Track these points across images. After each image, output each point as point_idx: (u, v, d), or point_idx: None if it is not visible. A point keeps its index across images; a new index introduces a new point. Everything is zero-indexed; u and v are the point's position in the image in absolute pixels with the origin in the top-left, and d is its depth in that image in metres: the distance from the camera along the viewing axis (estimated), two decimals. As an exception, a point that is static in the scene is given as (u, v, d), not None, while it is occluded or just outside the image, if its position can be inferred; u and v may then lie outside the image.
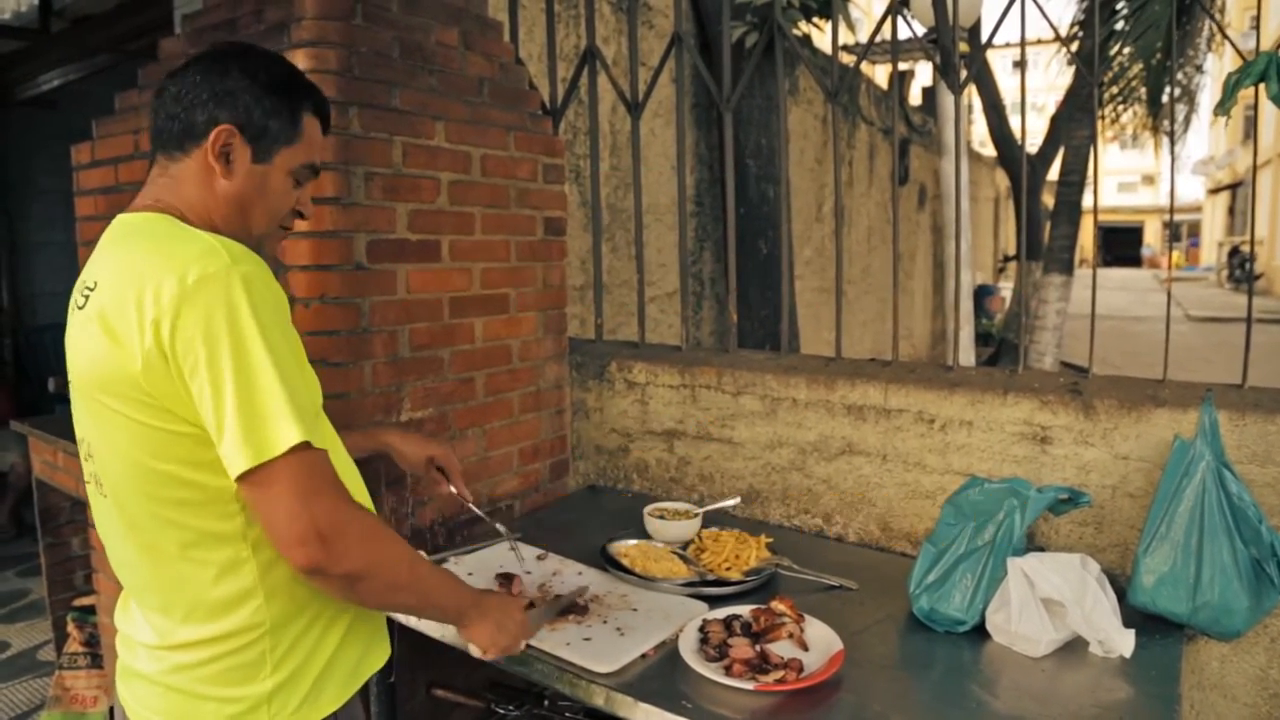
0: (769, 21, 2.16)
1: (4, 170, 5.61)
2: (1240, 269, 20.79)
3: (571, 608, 1.49)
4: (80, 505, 2.84)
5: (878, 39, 2.12)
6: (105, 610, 2.53)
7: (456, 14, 1.93)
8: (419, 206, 1.82)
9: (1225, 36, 2.04)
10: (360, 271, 1.70)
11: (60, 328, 1.10)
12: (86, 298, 1.02)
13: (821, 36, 5.49)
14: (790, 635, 1.36)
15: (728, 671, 1.26)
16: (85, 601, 2.80)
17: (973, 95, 9.23)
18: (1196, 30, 7.80)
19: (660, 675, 1.31)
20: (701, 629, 1.40)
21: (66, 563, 3.02)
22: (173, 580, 1.04)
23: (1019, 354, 1.97)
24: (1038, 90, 28.57)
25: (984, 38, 2.08)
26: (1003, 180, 15.81)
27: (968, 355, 5.23)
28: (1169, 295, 2.17)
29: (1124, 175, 38.76)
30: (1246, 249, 20.55)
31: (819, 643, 1.35)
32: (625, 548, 1.73)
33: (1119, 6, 7.19)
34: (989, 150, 11.40)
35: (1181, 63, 8.01)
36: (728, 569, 1.66)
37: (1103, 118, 8.43)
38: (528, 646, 1.36)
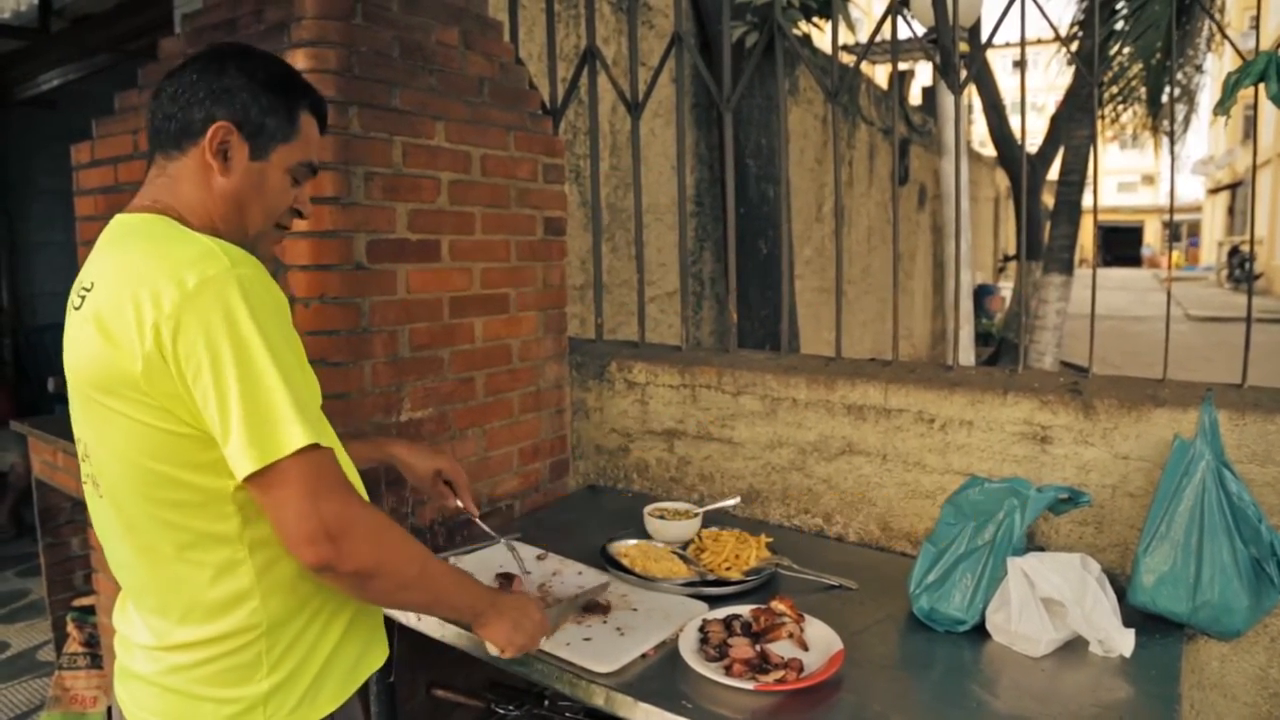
0: (769, 21, 2.16)
1: (4, 170, 5.61)
2: (1240, 269, 20.80)
3: (593, 606, 1.49)
4: (80, 505, 2.84)
5: (878, 39, 2.12)
6: (105, 610, 2.53)
7: (456, 14, 1.94)
8: (419, 206, 1.82)
9: (1225, 36, 2.04)
10: (360, 271, 1.70)
11: (60, 328, 1.10)
12: (83, 298, 1.02)
13: (821, 36, 5.49)
14: (790, 635, 1.36)
15: (728, 671, 1.26)
16: (85, 602, 2.80)
17: (973, 95, 9.23)
18: (1196, 30, 7.80)
19: (660, 675, 1.31)
20: (701, 629, 1.40)
21: (66, 563, 3.02)
22: (169, 581, 1.04)
23: (1019, 354, 1.97)
24: (1038, 90, 28.58)
25: (984, 38, 2.08)
26: (1003, 180, 15.81)
27: (968, 355, 5.23)
28: (1169, 295, 2.17)
29: (1124, 175, 38.78)
30: (1246, 249, 20.55)
31: (819, 642, 1.35)
32: (625, 548, 1.73)
33: (1119, 6, 7.19)
34: (989, 150, 11.40)
35: (1181, 63, 8.01)
36: (728, 569, 1.66)
37: (1102, 117, 8.43)
38: (541, 651, 1.37)
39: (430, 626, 1.47)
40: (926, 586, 1.46)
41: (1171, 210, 2.03)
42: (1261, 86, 1.66)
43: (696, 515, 1.85)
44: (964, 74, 2.16)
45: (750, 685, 1.22)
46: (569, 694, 1.32)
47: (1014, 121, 9.37)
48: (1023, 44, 1.88)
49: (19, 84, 5.09)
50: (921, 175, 10.02)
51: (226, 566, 1.03)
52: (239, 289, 0.95)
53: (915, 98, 11.72)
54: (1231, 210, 25.80)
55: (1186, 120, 8.86)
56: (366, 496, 1.24)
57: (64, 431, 2.43)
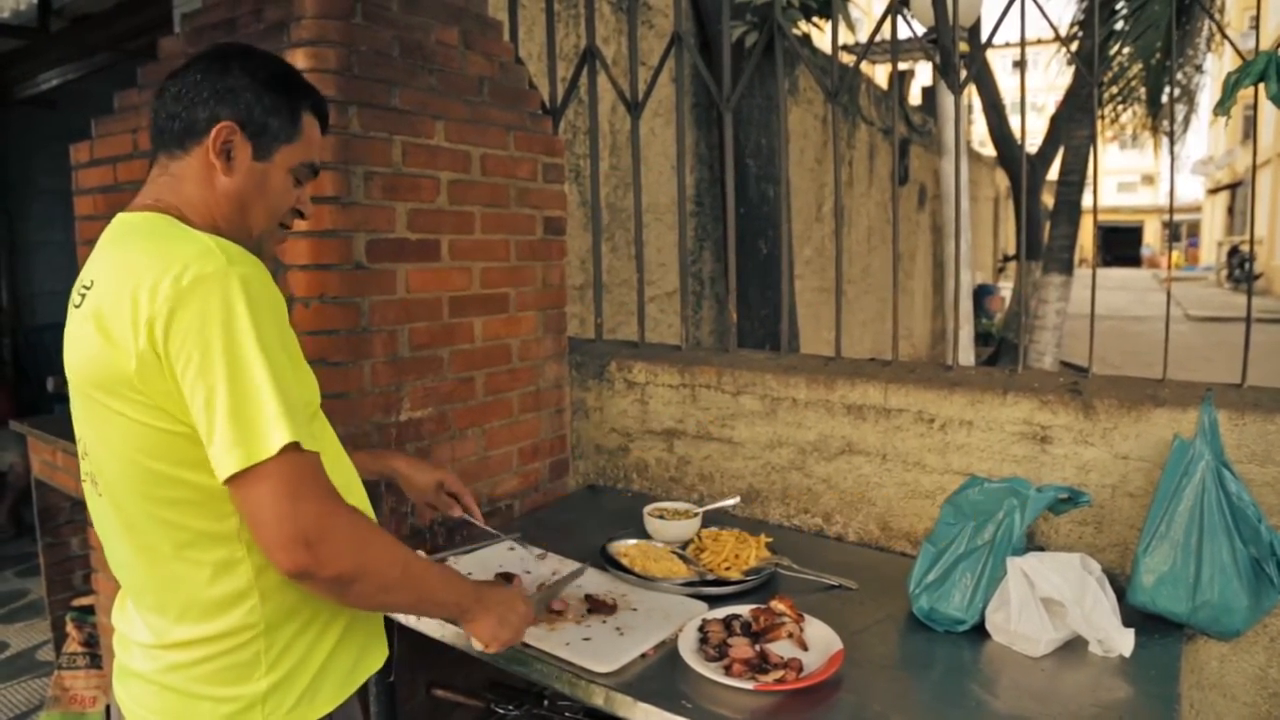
0: (769, 21, 2.16)
1: (3, 169, 5.60)
2: (1240, 269, 20.80)
3: (598, 605, 1.49)
4: (79, 505, 2.84)
5: (878, 39, 2.12)
6: (104, 610, 2.53)
7: (456, 13, 1.93)
8: (419, 206, 1.82)
9: (1225, 36, 2.04)
10: (360, 271, 1.70)
11: (60, 327, 1.10)
12: (83, 296, 1.03)
13: (821, 36, 5.49)
14: (790, 635, 1.36)
15: (727, 671, 1.26)
16: (84, 601, 2.80)
17: (972, 95, 9.23)
18: (1196, 30, 7.80)
19: (660, 675, 1.30)
20: (701, 629, 1.40)
21: (65, 563, 3.02)
22: (168, 580, 1.04)
23: (1019, 353, 1.97)
24: (1037, 90, 28.58)
25: (984, 38, 2.08)
26: (1003, 180, 15.82)
27: (967, 355, 5.23)
28: (1168, 295, 2.17)
29: (1123, 175, 38.78)
30: (1246, 249, 20.56)
31: (818, 642, 1.35)
32: (625, 547, 1.73)
33: (1119, 6, 7.19)
34: (989, 150, 11.40)
35: (1181, 63, 8.01)
36: (727, 569, 1.66)
37: (1102, 118, 8.43)
38: (526, 646, 1.37)
39: (430, 627, 1.46)
40: (926, 586, 1.46)
41: (1171, 210, 2.03)
42: (1261, 86, 1.66)
43: (696, 515, 1.85)
44: (964, 74, 2.16)
45: (750, 685, 1.22)
46: (568, 694, 1.32)
47: (1014, 121, 9.37)
48: (1023, 44, 1.88)
49: (19, 83, 5.09)
50: (921, 175, 10.02)
51: (225, 565, 1.03)
52: (234, 287, 0.95)
53: (915, 98, 11.72)
54: (1231, 210, 25.81)
55: (1186, 120, 8.86)
56: (365, 492, 1.24)
57: (63, 431, 2.43)
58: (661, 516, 1.84)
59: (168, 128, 1.11)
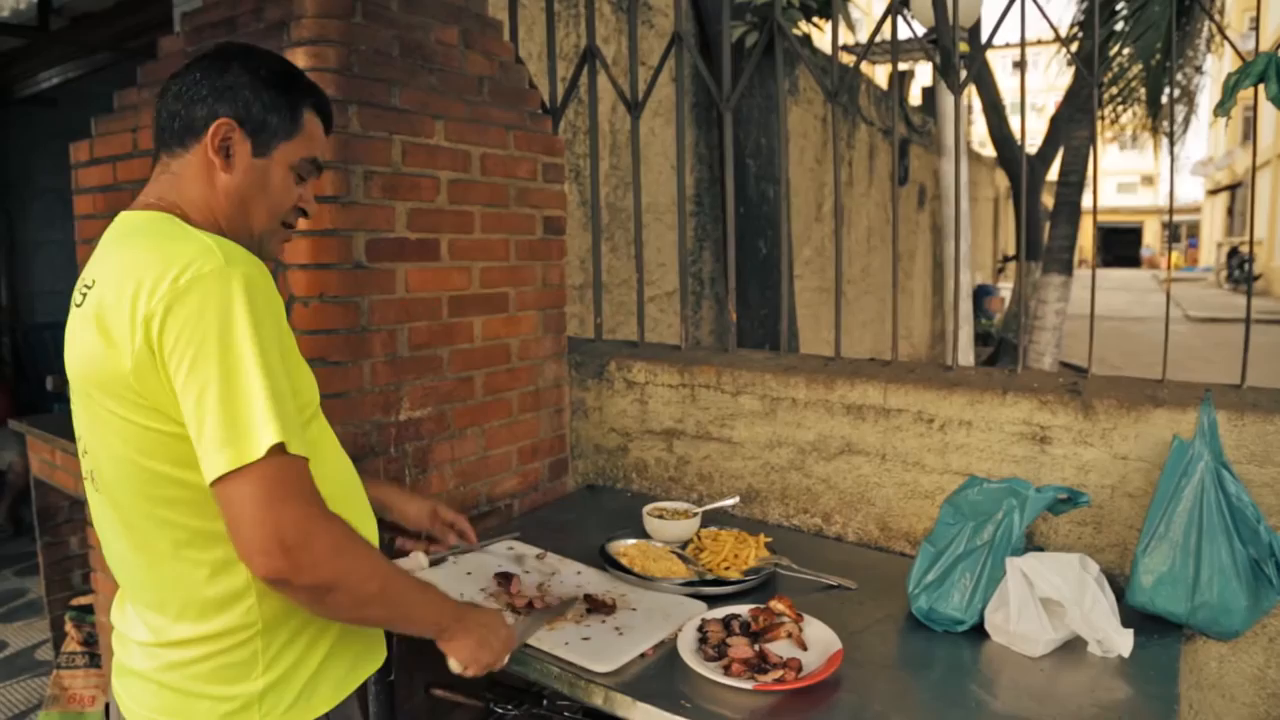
0: (769, 21, 2.16)
1: (3, 168, 5.60)
2: (1239, 270, 20.80)
3: (597, 605, 1.49)
4: (78, 504, 2.84)
5: (878, 39, 2.12)
6: (103, 609, 2.53)
7: (456, 12, 1.93)
8: (418, 205, 1.82)
9: (1225, 37, 2.04)
10: (359, 270, 1.70)
11: (59, 326, 1.10)
12: (85, 295, 1.03)
13: (821, 36, 5.49)
14: (789, 635, 1.36)
15: (726, 671, 1.26)
16: (83, 601, 2.80)
17: (972, 95, 9.23)
18: (1196, 31, 7.80)
19: (659, 675, 1.30)
20: (700, 628, 1.40)
21: (64, 562, 3.02)
22: (166, 578, 1.04)
23: (1018, 354, 1.97)
24: (1037, 90, 28.59)
25: (984, 38, 2.08)
26: (1002, 180, 15.82)
27: (967, 355, 5.23)
28: (1168, 296, 2.17)
29: (1123, 176, 38.78)
30: (1245, 250, 20.56)
31: (818, 642, 1.35)
32: (624, 547, 1.73)
33: (1119, 7, 7.19)
34: (989, 150, 11.40)
35: (1181, 63, 8.02)
36: (727, 568, 1.66)
37: (1102, 118, 8.43)
38: (526, 646, 1.37)
39: (429, 626, 1.46)
40: (925, 586, 1.46)
41: (1171, 211, 2.03)
42: (1261, 87, 1.66)
43: (695, 515, 1.85)
44: (964, 74, 2.16)
45: (749, 685, 1.22)
46: (568, 694, 1.32)
47: (1014, 122, 9.37)
48: (1023, 44, 1.88)
49: (18, 82, 5.09)
50: (921, 175, 10.02)
51: (223, 564, 1.02)
52: (232, 287, 0.95)
53: (915, 98, 11.72)
54: (1231, 211, 25.81)
55: (1186, 121, 8.86)
56: (367, 500, 1.24)
57: (63, 430, 2.43)
58: (661, 516, 1.84)
59: (168, 126, 1.11)
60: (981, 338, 10.36)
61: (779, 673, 1.24)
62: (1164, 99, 7.69)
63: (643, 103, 2.35)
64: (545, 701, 1.71)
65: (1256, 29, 1.92)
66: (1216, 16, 6.71)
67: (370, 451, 1.76)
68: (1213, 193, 29.40)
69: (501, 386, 2.09)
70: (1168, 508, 1.44)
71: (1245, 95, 1.73)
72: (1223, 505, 1.41)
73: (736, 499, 2.04)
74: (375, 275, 1.73)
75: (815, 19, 5.04)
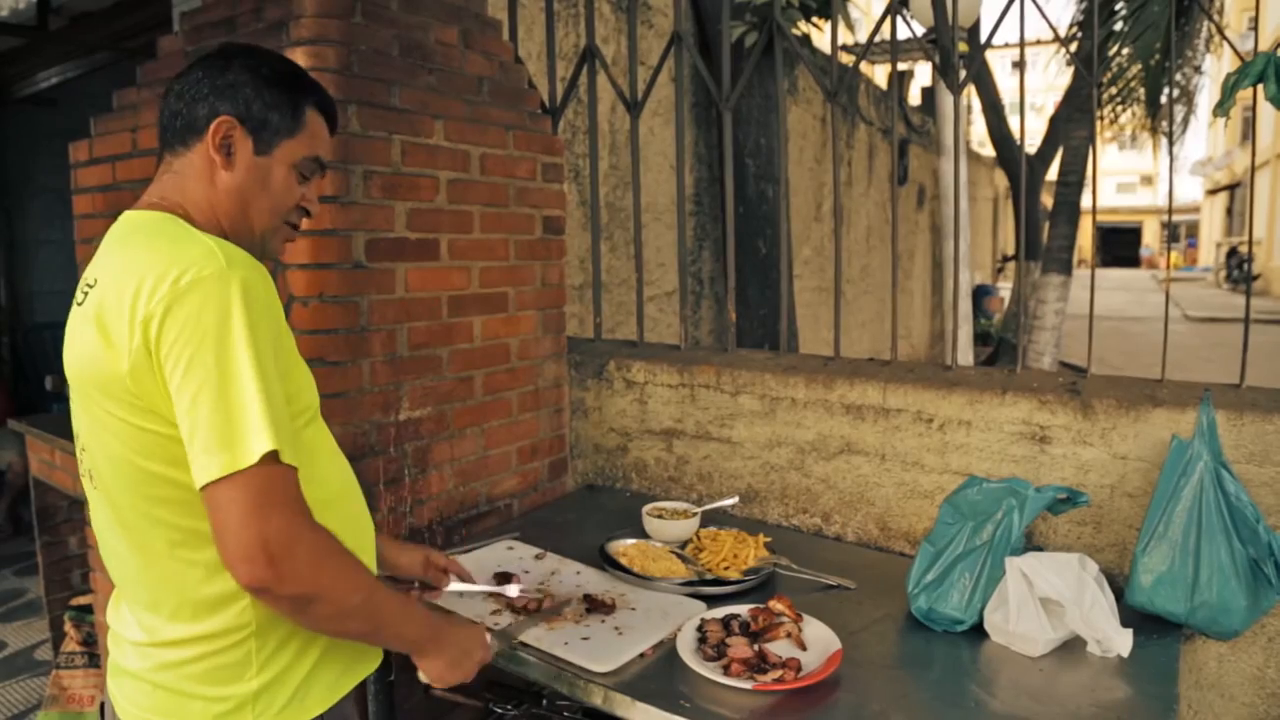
0: (768, 21, 2.16)
1: (3, 168, 5.59)
2: (1238, 269, 20.81)
3: (596, 605, 1.49)
4: (77, 504, 2.84)
5: (877, 39, 2.12)
6: (102, 609, 2.53)
7: (456, 12, 1.93)
8: (418, 205, 1.82)
9: (1224, 37, 2.05)
10: (359, 270, 1.70)
11: (58, 326, 1.10)
12: (86, 295, 1.03)
13: (821, 36, 5.49)
14: (788, 634, 1.36)
15: (726, 671, 1.26)
16: (82, 600, 2.80)
17: (972, 95, 9.23)
18: (1195, 31, 7.80)
19: (658, 675, 1.31)
20: (700, 628, 1.40)
21: (64, 562, 3.02)
22: (161, 577, 1.05)
23: (1017, 354, 1.97)
24: (1037, 90, 28.59)
25: (983, 38, 2.08)
26: (1002, 180, 15.82)
27: (966, 355, 5.23)
28: (1167, 295, 2.17)
29: (1122, 176, 38.80)
30: (1244, 250, 20.57)
31: (817, 642, 1.35)
32: (624, 547, 1.73)
33: (1118, 7, 7.19)
34: (988, 150, 11.40)
35: (1180, 64, 8.02)
36: (726, 568, 1.66)
37: (1101, 118, 8.43)
38: (525, 646, 1.37)
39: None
40: (925, 586, 1.46)
41: (1170, 211, 2.03)
42: (1260, 88, 1.66)
43: (695, 515, 1.85)
44: (963, 74, 2.16)
45: (748, 685, 1.22)
46: (567, 694, 1.32)
47: (1013, 122, 9.38)
48: (1022, 44, 1.88)
49: (18, 82, 5.08)
50: (920, 175, 10.02)
51: (218, 565, 1.02)
52: (231, 290, 0.95)
53: (914, 98, 11.71)
54: (1230, 211, 25.82)
55: (1185, 121, 8.86)
56: (364, 502, 1.24)
57: (62, 430, 2.43)
58: (660, 516, 1.84)
59: (171, 125, 1.11)
60: (981, 337, 10.36)
61: (778, 672, 1.24)
62: (1163, 99, 7.69)
63: (642, 102, 2.35)
64: (545, 701, 1.71)
65: (1255, 29, 1.92)
66: (1215, 16, 6.71)
67: (370, 451, 1.76)
68: (1212, 193, 29.41)
69: (501, 386, 2.09)
70: (1167, 507, 1.44)
71: (1244, 95, 1.73)
72: (1222, 505, 1.41)
73: (736, 499, 2.04)
74: (375, 275, 1.73)
75: (815, 19, 5.04)
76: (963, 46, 6.89)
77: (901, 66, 8.63)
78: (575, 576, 1.65)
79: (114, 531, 1.08)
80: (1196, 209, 33.52)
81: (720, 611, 1.45)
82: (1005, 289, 12.85)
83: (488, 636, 1.29)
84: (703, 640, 1.36)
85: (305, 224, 1.54)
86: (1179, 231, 33.18)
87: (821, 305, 6.66)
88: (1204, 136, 31.63)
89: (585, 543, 1.79)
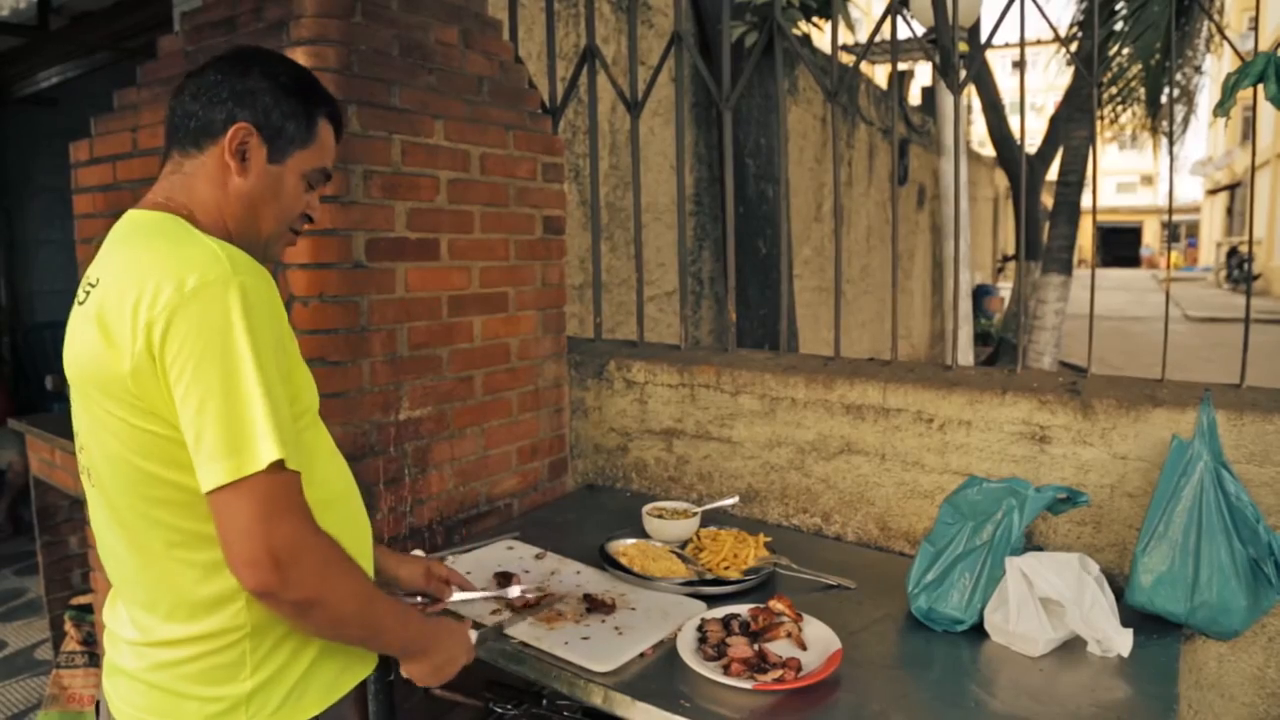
0: (769, 21, 2.16)
1: (3, 168, 5.59)
2: (1238, 269, 20.82)
3: (598, 605, 1.49)
4: (78, 503, 2.84)
5: (877, 39, 2.12)
6: (101, 609, 2.52)
7: (456, 12, 1.93)
8: (418, 205, 1.82)
9: (1224, 37, 2.05)
10: (359, 270, 1.70)
11: (58, 326, 1.10)
12: (88, 294, 1.03)
13: (821, 36, 5.49)
14: (789, 634, 1.36)
15: (726, 671, 1.26)
16: (82, 600, 2.80)
17: (972, 95, 9.23)
18: (1195, 31, 7.80)
19: (658, 674, 1.31)
20: (700, 628, 1.40)
21: (64, 561, 3.02)
22: (158, 577, 1.05)
23: (1017, 354, 1.97)
24: (1037, 90, 28.60)
25: (983, 38, 2.08)
26: (1002, 180, 15.82)
27: (966, 355, 5.23)
28: (1167, 295, 2.18)
29: (1123, 175, 38.80)
30: (1245, 249, 20.57)
31: (817, 642, 1.35)
32: (624, 547, 1.73)
33: (1118, 7, 7.19)
34: (988, 150, 11.40)
35: (1180, 63, 8.02)
36: (726, 568, 1.66)
37: (1101, 118, 8.43)
38: (525, 646, 1.37)
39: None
40: (925, 586, 1.46)
41: (1170, 211, 2.03)
42: (1260, 87, 1.66)
43: (695, 514, 1.85)
44: (963, 74, 2.16)
45: (748, 684, 1.22)
46: (567, 693, 1.32)
47: (1013, 121, 9.38)
48: (1022, 44, 1.88)
49: (18, 81, 5.08)
50: (921, 175, 10.02)
51: (215, 566, 1.03)
52: (236, 296, 0.95)
53: (915, 98, 11.72)
54: (1230, 211, 25.82)
55: (1185, 121, 8.86)
56: (362, 504, 1.24)
57: (62, 430, 2.42)
58: (660, 516, 1.84)
59: (184, 125, 1.11)
60: (981, 337, 10.36)
61: (778, 672, 1.24)
62: (1163, 99, 7.69)
63: (642, 102, 2.35)
64: (545, 701, 1.71)
65: (1255, 29, 1.92)
66: (1216, 16, 6.71)
67: (370, 451, 1.76)
68: (1212, 192, 29.41)
69: (501, 386, 2.09)
70: (1167, 507, 1.44)
71: (1244, 95, 1.73)
72: (1222, 505, 1.41)
73: (736, 499, 2.04)
74: (375, 275, 1.73)
75: (815, 19, 5.04)
76: (963, 46, 6.88)
77: (901, 66, 8.62)
78: (575, 576, 1.65)
79: (112, 530, 1.08)
80: (1197, 209, 33.52)
81: (720, 611, 1.45)
82: (1005, 289, 12.85)
83: (472, 636, 1.31)
84: (703, 640, 1.36)
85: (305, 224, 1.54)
86: (1179, 231, 33.18)
87: (821, 305, 6.66)
88: (1204, 136, 31.64)
89: (585, 543, 1.79)
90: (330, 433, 1.24)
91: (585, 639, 1.39)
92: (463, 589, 1.50)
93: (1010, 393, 1.75)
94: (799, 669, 1.26)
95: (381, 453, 1.78)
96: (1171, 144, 2.09)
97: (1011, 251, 18.21)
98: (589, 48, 2.34)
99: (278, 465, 0.94)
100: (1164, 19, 6.70)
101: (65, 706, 2.64)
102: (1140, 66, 7.56)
